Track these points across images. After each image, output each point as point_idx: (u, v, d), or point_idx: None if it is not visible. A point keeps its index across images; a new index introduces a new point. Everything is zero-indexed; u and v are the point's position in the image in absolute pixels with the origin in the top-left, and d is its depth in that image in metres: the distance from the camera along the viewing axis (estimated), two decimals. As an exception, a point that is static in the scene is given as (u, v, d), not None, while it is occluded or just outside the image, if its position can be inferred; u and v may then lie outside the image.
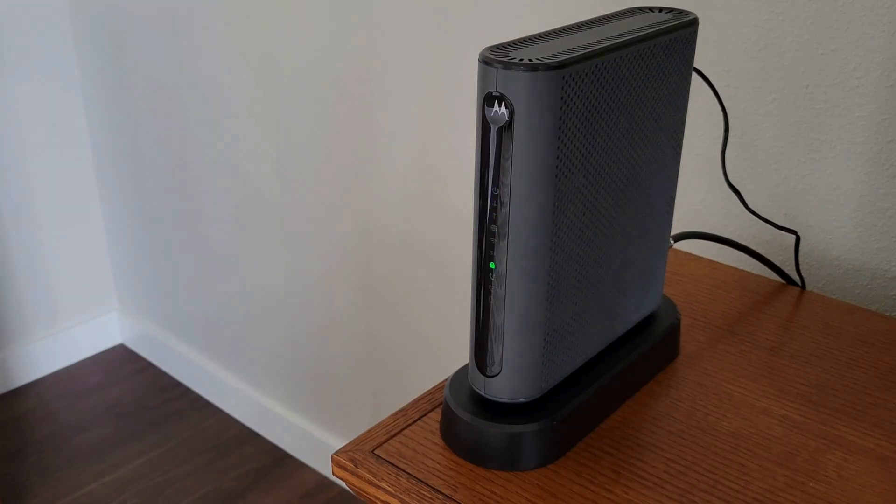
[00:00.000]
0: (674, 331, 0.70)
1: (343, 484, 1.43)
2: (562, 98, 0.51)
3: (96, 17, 1.74)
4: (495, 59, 0.50)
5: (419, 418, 0.63)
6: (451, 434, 0.60)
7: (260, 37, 1.42)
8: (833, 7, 0.81)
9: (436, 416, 0.64)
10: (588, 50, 0.52)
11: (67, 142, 1.89)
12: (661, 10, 0.63)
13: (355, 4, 1.25)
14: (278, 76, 1.42)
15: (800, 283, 0.83)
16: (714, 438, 0.62)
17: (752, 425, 0.63)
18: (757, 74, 0.88)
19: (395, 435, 0.62)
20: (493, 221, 0.54)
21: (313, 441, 1.67)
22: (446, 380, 0.64)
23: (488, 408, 0.60)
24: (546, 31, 0.56)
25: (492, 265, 0.55)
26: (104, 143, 1.88)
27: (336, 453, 0.60)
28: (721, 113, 0.91)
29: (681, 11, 0.63)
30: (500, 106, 0.51)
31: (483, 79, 0.51)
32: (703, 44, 0.91)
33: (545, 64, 0.50)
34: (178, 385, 1.96)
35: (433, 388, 0.67)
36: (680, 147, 0.65)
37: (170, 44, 1.60)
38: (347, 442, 1.70)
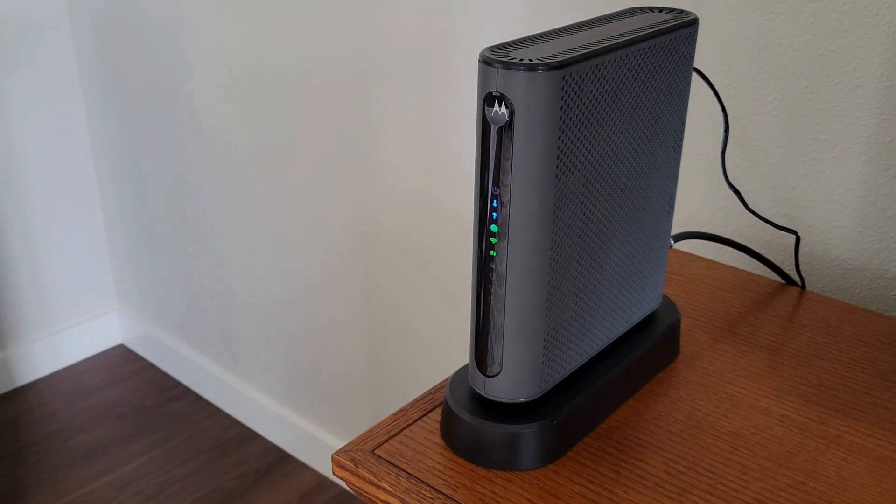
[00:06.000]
0: (674, 331, 0.70)
1: (343, 484, 1.43)
2: (562, 98, 0.51)
3: (96, 16, 1.74)
4: (495, 59, 0.50)
5: (419, 418, 0.63)
6: (452, 434, 0.60)
7: (259, 37, 1.42)
8: (833, 7, 0.81)
9: (436, 415, 0.64)
10: (588, 50, 0.52)
11: (67, 141, 1.89)
12: (661, 10, 0.63)
13: (355, 4, 1.25)
14: (278, 78, 1.42)
15: (800, 283, 0.83)
16: (714, 438, 0.62)
17: (752, 425, 0.63)
18: (757, 74, 0.88)
19: (395, 435, 0.62)
20: (494, 221, 0.54)
21: (313, 441, 1.67)
22: (446, 380, 0.64)
23: (488, 408, 0.60)
24: (546, 31, 0.56)
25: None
26: (104, 142, 1.88)
27: (336, 453, 0.60)
28: (721, 113, 0.91)
29: (681, 11, 0.63)
30: (500, 106, 0.51)
31: (483, 79, 0.51)
32: (703, 44, 0.91)
33: (545, 64, 0.50)
34: (177, 385, 1.96)
35: (433, 387, 0.67)
36: (680, 147, 0.65)
37: (170, 43, 1.60)
38: (347, 442, 1.70)
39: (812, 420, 0.64)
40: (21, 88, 1.78)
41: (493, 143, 0.52)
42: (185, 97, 1.62)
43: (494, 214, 0.53)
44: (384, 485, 0.57)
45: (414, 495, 0.56)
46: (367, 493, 0.59)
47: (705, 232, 0.83)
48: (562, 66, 0.50)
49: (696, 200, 0.96)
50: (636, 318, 0.67)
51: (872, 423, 0.63)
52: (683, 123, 0.65)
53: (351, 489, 0.60)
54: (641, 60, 0.57)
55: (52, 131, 1.86)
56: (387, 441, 0.61)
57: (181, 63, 1.59)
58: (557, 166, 0.53)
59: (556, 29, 0.57)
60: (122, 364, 2.04)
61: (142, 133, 1.76)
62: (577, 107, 0.52)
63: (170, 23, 1.58)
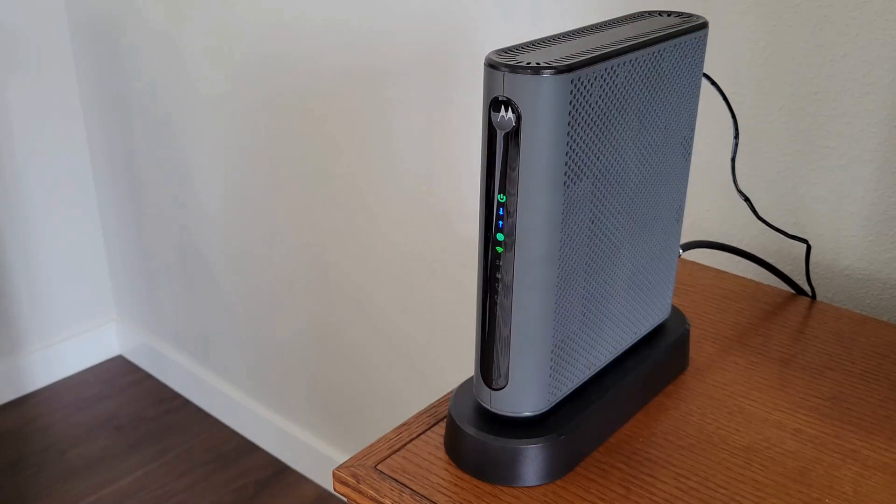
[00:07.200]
0: (683, 342, 0.69)
1: (345, 500, 1.41)
2: (570, 102, 0.49)
3: (94, 21, 1.73)
4: (502, 63, 0.49)
5: (423, 432, 0.62)
6: (456, 449, 0.59)
7: (261, 44, 1.41)
8: (842, 13, 0.80)
9: (440, 429, 0.62)
10: (596, 53, 0.51)
11: (65, 151, 1.87)
12: (669, 13, 0.62)
13: (358, 6, 1.24)
14: (278, 82, 1.41)
15: (810, 294, 0.82)
16: (726, 453, 0.60)
17: (765, 439, 0.61)
18: (765, 81, 0.86)
19: (398, 450, 0.60)
20: (500, 230, 0.52)
21: (313, 453, 1.65)
22: (451, 392, 0.62)
23: (494, 422, 0.58)
24: (553, 35, 0.55)
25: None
26: (103, 151, 1.87)
27: (338, 468, 0.58)
28: (730, 119, 0.90)
29: (690, 15, 0.61)
30: (506, 111, 0.49)
31: (489, 83, 0.50)
32: (711, 50, 0.89)
33: (553, 67, 0.48)
34: (176, 396, 1.94)
35: (437, 400, 0.65)
36: (689, 154, 0.64)
37: (170, 52, 1.59)
38: (348, 455, 1.68)
39: (826, 434, 0.62)
40: (19, 98, 1.77)
41: (500, 149, 0.51)
42: (185, 106, 1.61)
43: (501, 223, 0.52)
44: (387, 501, 0.56)
45: (417, 512, 0.55)
46: (369, 510, 0.57)
47: (715, 241, 0.81)
48: (570, 69, 0.49)
49: (703, 209, 0.95)
50: (644, 329, 0.66)
51: (888, 437, 0.62)
52: (693, 130, 0.63)
53: (352, 506, 0.58)
54: (650, 64, 0.55)
55: (50, 141, 1.84)
56: (389, 456, 0.59)
57: (180, 72, 1.58)
58: (566, 173, 0.51)
59: (563, 33, 0.56)
60: (121, 375, 2.02)
61: (140, 143, 1.75)
62: (586, 112, 0.51)
63: (170, 32, 1.56)
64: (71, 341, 2.00)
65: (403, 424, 0.63)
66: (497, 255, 0.53)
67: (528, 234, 0.52)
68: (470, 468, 0.58)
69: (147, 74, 1.66)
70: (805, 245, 0.85)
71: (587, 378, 0.61)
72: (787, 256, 0.90)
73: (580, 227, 0.54)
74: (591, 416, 0.59)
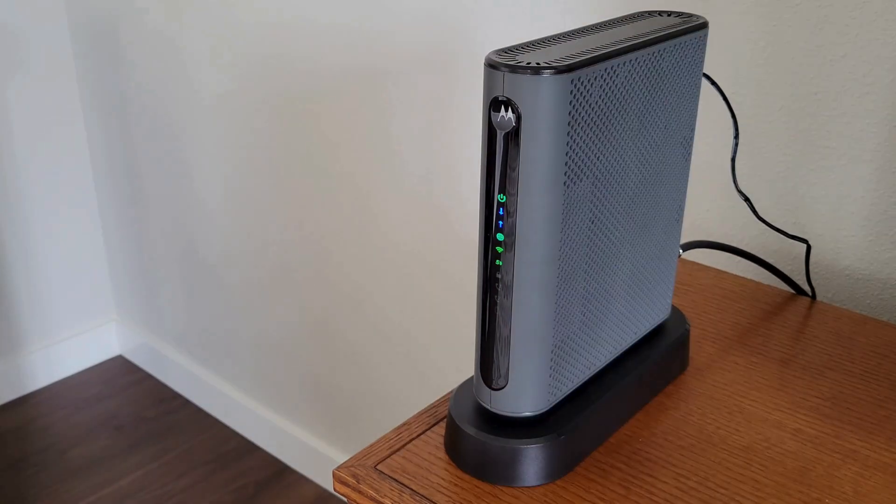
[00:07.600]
0: (683, 342, 0.69)
1: (345, 500, 1.41)
2: (570, 102, 0.49)
3: (94, 21, 1.73)
4: (502, 63, 0.49)
5: (423, 432, 0.62)
6: (456, 449, 0.59)
7: (261, 44, 1.41)
8: (842, 13, 0.80)
9: (440, 429, 0.62)
10: (596, 53, 0.51)
11: (65, 150, 1.87)
12: (669, 13, 0.62)
13: (358, 9, 1.24)
14: (279, 83, 1.41)
15: (810, 294, 0.82)
16: (726, 453, 0.60)
17: (765, 439, 0.61)
18: (764, 81, 0.86)
19: (398, 450, 0.60)
20: (500, 230, 0.52)
21: (313, 453, 1.65)
22: (450, 392, 0.62)
23: (494, 422, 0.58)
24: (553, 35, 0.55)
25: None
26: (103, 151, 1.87)
27: (338, 469, 0.58)
28: (730, 119, 0.90)
29: (690, 15, 0.61)
30: (506, 111, 0.49)
31: (489, 83, 0.50)
32: (711, 50, 0.89)
33: (553, 67, 0.48)
34: (176, 396, 1.94)
35: (437, 400, 0.65)
36: (689, 154, 0.64)
37: (170, 52, 1.59)
38: (348, 455, 1.68)
39: (826, 434, 0.62)
40: (20, 99, 1.77)
41: (500, 149, 0.51)
42: (185, 106, 1.61)
43: (501, 223, 0.52)
44: (387, 501, 0.56)
45: (417, 512, 0.55)
46: (369, 510, 0.57)
47: (715, 241, 0.81)
48: (570, 69, 0.49)
49: (702, 209, 0.95)
50: (644, 329, 0.66)
51: (888, 438, 0.62)
52: (693, 130, 0.63)
53: (352, 506, 0.58)
54: (651, 64, 0.55)
55: (50, 141, 1.84)
56: (389, 456, 0.59)
57: (180, 72, 1.58)
58: (566, 173, 0.51)
59: (563, 32, 0.56)
60: (121, 375, 2.02)
61: (141, 143, 1.75)
62: (586, 111, 0.51)
63: (170, 32, 1.56)
64: (71, 341, 2.00)
65: (403, 424, 0.63)
66: (497, 255, 0.53)
67: (528, 234, 0.52)
68: (470, 468, 0.58)
69: (147, 75, 1.66)
70: (805, 245, 0.85)
71: (587, 378, 0.61)
72: (787, 256, 0.90)
73: (580, 227, 0.54)
74: (591, 416, 0.59)
